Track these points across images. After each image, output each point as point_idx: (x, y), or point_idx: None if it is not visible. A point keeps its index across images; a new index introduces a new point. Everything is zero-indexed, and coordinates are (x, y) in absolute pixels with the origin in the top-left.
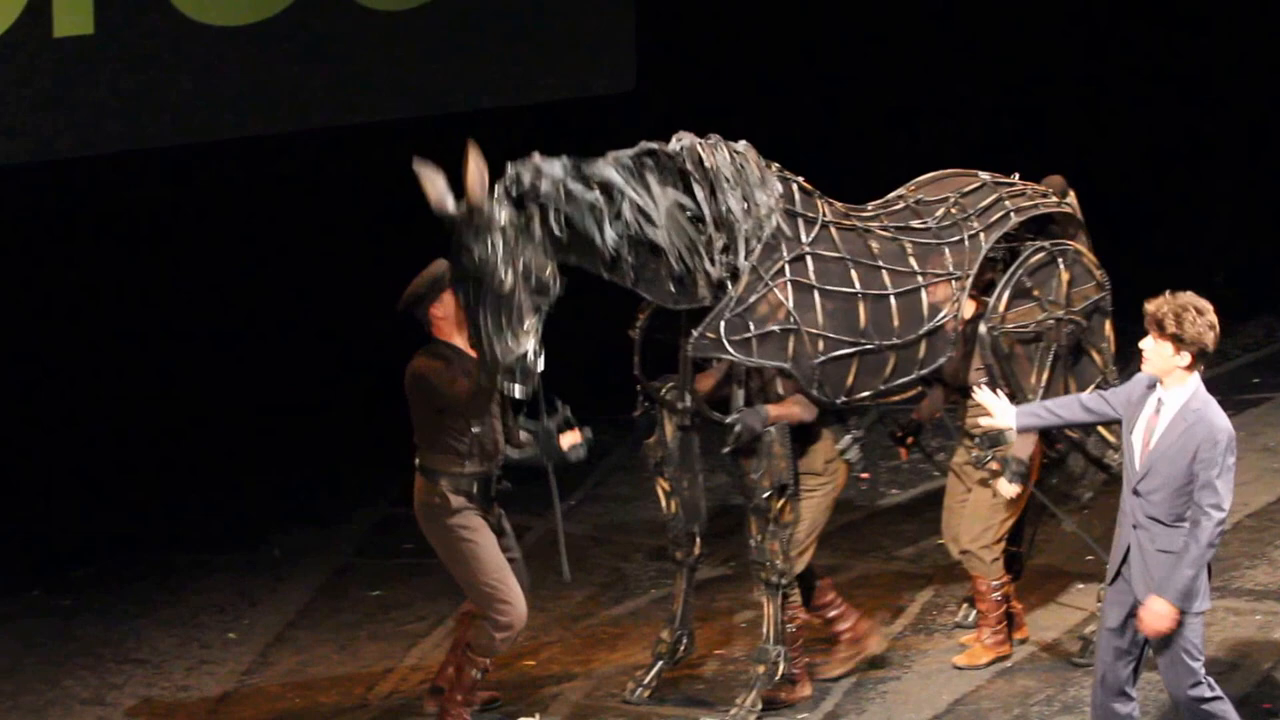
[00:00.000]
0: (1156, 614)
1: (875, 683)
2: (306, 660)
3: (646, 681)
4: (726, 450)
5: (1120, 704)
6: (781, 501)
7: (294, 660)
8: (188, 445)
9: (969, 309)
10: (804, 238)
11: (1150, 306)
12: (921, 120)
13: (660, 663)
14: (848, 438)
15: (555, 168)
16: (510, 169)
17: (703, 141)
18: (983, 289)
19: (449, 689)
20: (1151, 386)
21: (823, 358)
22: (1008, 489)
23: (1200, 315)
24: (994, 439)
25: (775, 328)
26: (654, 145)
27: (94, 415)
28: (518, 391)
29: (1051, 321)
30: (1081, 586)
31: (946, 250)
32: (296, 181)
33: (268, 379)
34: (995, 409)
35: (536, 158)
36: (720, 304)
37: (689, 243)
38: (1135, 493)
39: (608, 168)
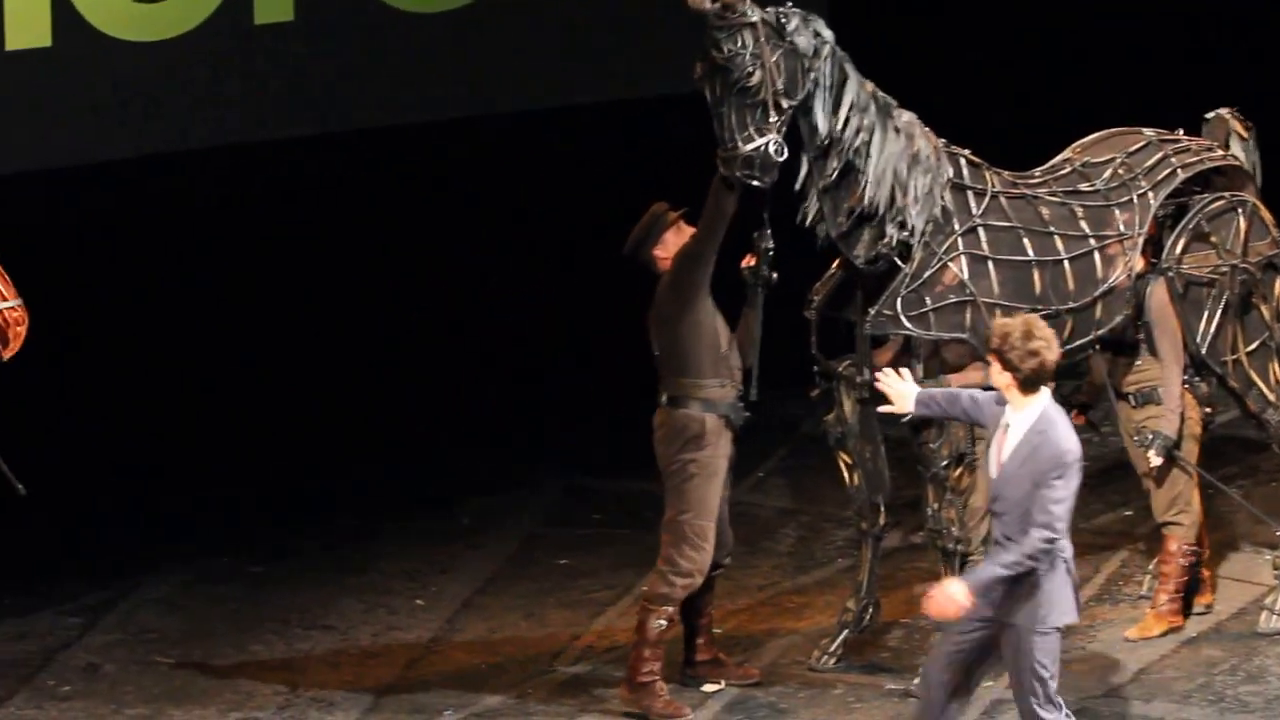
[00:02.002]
0: (946, 594)
1: (1060, 652)
2: (494, 627)
3: (832, 650)
4: (904, 420)
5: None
6: (959, 470)
7: (481, 627)
8: (378, 413)
9: (1140, 268)
10: (974, 210)
11: (991, 328)
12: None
13: (846, 631)
14: None
15: (824, 41)
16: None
17: (920, 123)
18: (1153, 249)
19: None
20: (1002, 404)
21: None
22: (1154, 459)
23: (1026, 340)
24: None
25: (951, 300)
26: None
27: (288, 382)
28: (757, 183)
29: (1226, 269)
30: (1266, 555)
31: (1116, 211)
32: (483, 164)
33: (457, 348)
34: (895, 393)
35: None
36: (895, 281)
37: (890, 194)
38: (992, 513)
39: (858, 82)
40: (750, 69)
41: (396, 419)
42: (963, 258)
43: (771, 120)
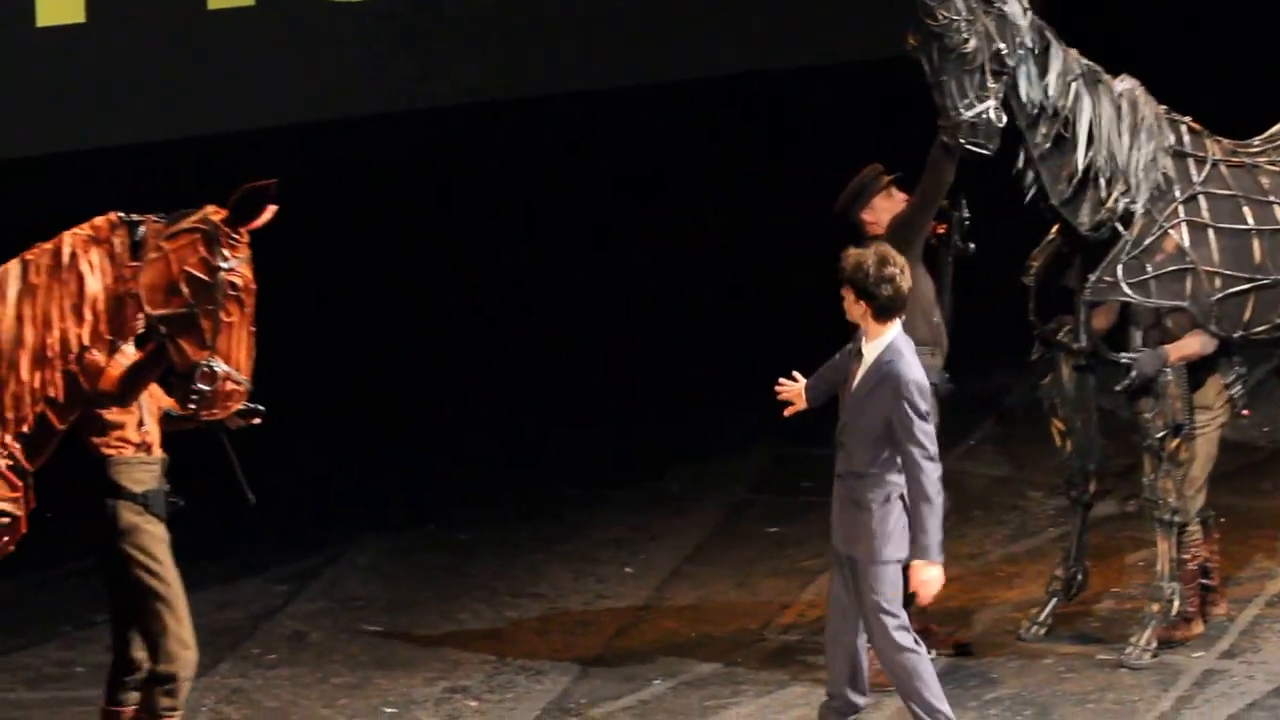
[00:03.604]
0: (924, 581)
1: (1272, 620)
2: (703, 595)
3: (1041, 619)
4: (1119, 389)
5: (845, 662)
6: (1176, 441)
7: (691, 595)
8: (589, 382)
9: None
10: (1195, 177)
11: (843, 255)
12: None
13: (1055, 600)
14: (1233, 374)
15: (1025, 8)
16: None
17: (1144, 89)
18: None
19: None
20: (848, 353)
21: (1220, 294)
22: None
23: (880, 267)
24: None
25: (1172, 268)
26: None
27: (499, 350)
28: (981, 150)
29: None
30: None
31: None
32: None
33: (670, 314)
34: (793, 393)
35: None
36: (1116, 248)
37: (1107, 159)
38: (839, 444)
39: (1062, 49)
40: (965, 35)
41: (607, 387)
42: (1183, 225)
43: (990, 86)
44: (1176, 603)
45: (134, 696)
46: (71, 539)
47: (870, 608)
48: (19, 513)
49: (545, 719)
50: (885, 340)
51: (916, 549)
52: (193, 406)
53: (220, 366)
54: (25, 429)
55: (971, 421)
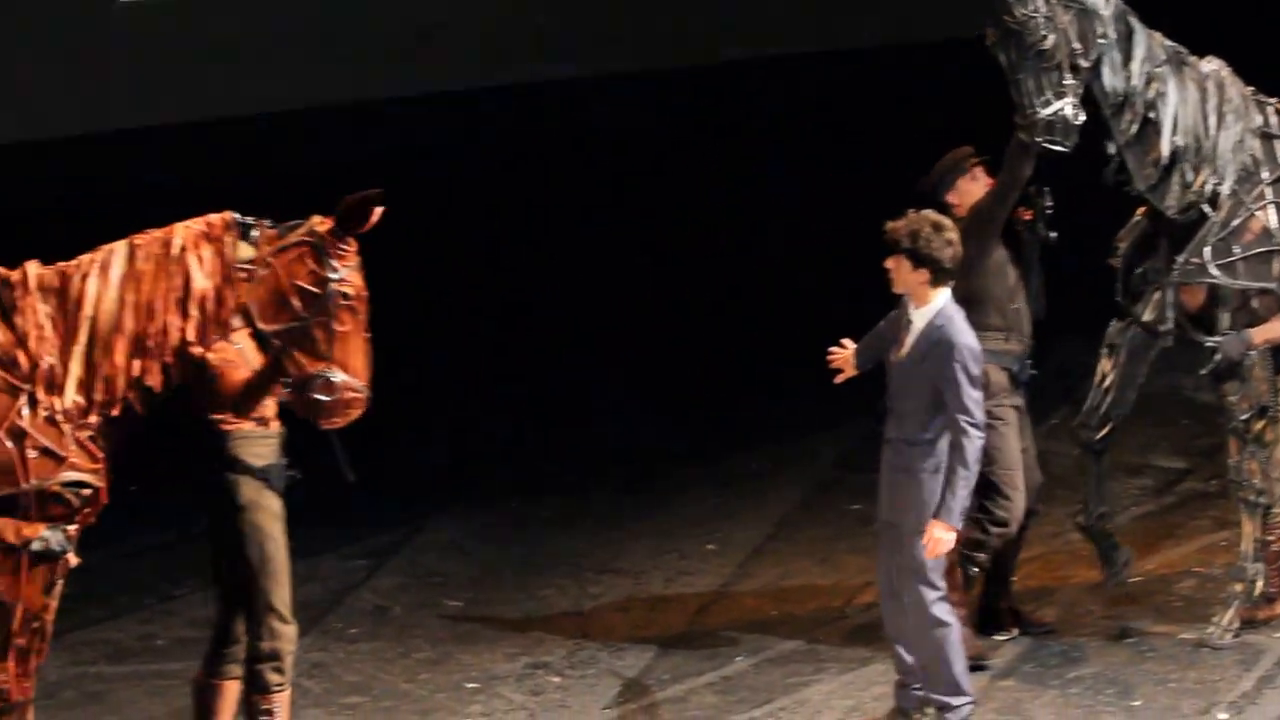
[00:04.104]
0: (937, 539)
1: None
2: (785, 572)
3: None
4: (1205, 372)
5: (897, 611)
6: (1261, 423)
7: (772, 572)
8: (673, 360)
9: None
10: None
11: (889, 225)
12: None
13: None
14: None
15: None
16: None
17: (1230, 70)
18: None
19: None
20: (895, 318)
21: None
22: None
23: (937, 232)
24: None
25: (1259, 249)
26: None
27: (581, 329)
28: (1057, 147)
29: None
30: None
31: None
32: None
33: (754, 291)
34: (841, 361)
35: None
36: (1203, 230)
37: (1193, 143)
38: (890, 409)
39: (1145, 35)
40: (1044, 32)
41: (691, 364)
42: (1270, 207)
43: (1068, 83)
44: (1260, 583)
45: (232, 669)
46: (153, 512)
47: (912, 576)
48: (99, 484)
49: (627, 696)
50: (936, 306)
51: (941, 508)
52: (313, 416)
53: (338, 376)
54: (114, 412)
55: (1053, 401)
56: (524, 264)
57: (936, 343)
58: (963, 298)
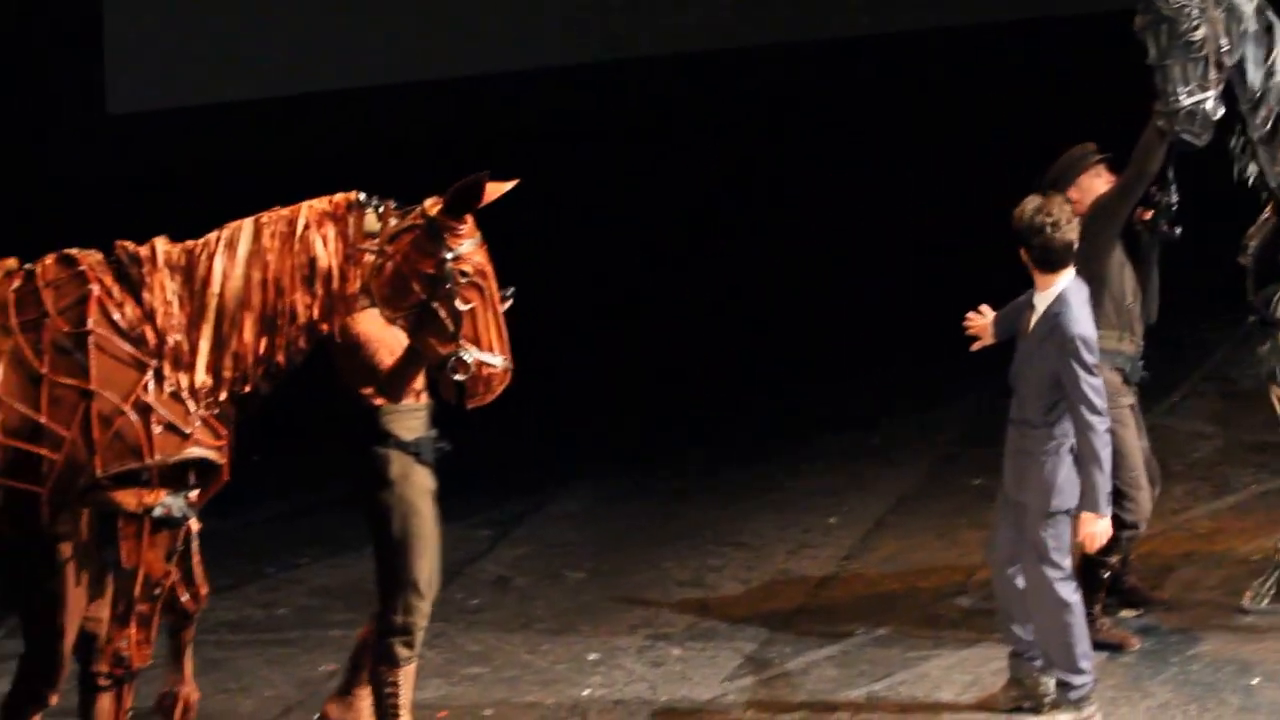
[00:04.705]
0: (1089, 533)
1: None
2: (906, 546)
3: (1264, 589)
4: None
5: (1011, 585)
6: None
7: (894, 546)
8: (799, 332)
9: None
10: None
11: (1015, 211)
12: None
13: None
14: None
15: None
16: None
17: None
18: None
19: None
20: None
21: None
22: None
23: (1034, 216)
24: None
25: None
26: None
27: (710, 299)
28: (1194, 140)
29: None
30: None
31: None
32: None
33: (878, 266)
34: (979, 328)
35: None
36: None
37: None
38: (1013, 389)
39: None
40: (1196, 23)
41: (817, 337)
42: None
43: (1212, 77)
44: None
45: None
46: (276, 481)
47: (1035, 556)
48: (221, 461)
49: (746, 669)
50: (1054, 291)
51: (1085, 501)
52: (454, 397)
53: (471, 354)
54: (244, 389)
55: (1174, 379)
56: (656, 234)
57: (1052, 330)
58: None
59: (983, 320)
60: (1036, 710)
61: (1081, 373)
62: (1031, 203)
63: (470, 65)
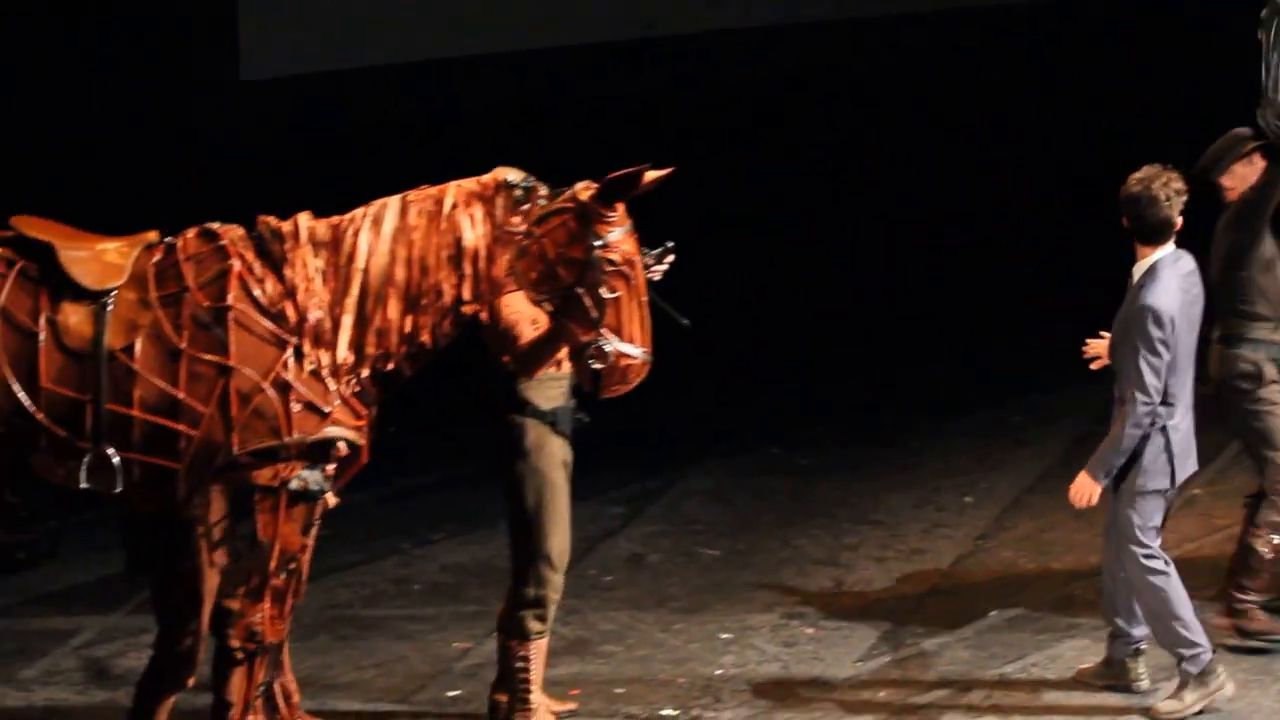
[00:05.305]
0: (1078, 486)
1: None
2: (1041, 526)
3: None
4: None
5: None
6: None
7: (1029, 526)
8: (933, 312)
9: None
10: None
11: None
12: None
13: None
14: None
15: None
16: None
17: None
18: None
19: None
20: None
21: None
22: None
23: (1132, 187)
24: None
25: None
26: None
27: (851, 281)
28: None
29: None
30: None
31: None
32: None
33: (1013, 247)
34: (1098, 350)
35: None
36: None
37: None
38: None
39: None
40: None
41: (951, 317)
42: None
43: None
44: None
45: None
46: (411, 456)
47: (1122, 535)
48: (361, 442)
49: (879, 649)
50: (1146, 264)
51: (1093, 458)
52: (591, 384)
53: (612, 344)
54: (386, 367)
55: None
56: (775, 221)
57: (1134, 301)
58: (1228, 281)
59: (1100, 344)
60: (1127, 691)
61: (1141, 347)
62: (1139, 174)
63: (612, 31)
